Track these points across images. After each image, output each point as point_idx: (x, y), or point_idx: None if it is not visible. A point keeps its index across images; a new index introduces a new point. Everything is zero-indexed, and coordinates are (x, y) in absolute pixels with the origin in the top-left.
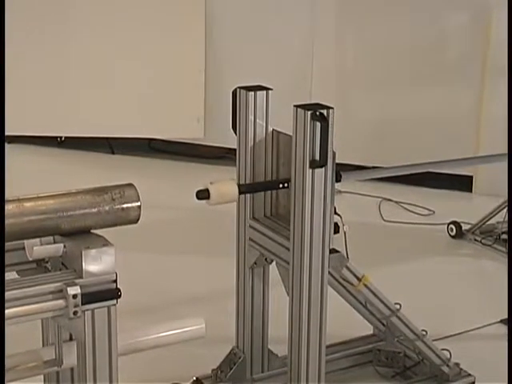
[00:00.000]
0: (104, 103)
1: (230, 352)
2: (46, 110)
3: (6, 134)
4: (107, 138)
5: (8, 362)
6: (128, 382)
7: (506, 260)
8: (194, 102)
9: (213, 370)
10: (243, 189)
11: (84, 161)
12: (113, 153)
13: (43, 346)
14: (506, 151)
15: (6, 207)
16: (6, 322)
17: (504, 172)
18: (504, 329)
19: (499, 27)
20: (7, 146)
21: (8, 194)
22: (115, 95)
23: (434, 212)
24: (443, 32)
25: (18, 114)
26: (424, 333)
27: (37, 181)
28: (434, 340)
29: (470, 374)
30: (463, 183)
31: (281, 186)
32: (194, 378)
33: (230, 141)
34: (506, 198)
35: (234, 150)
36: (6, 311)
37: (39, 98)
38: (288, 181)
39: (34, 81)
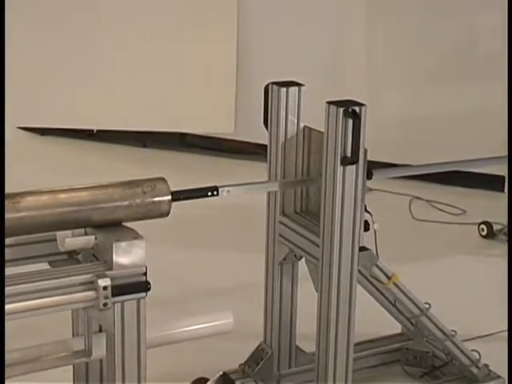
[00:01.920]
0: (136, 97)
1: (257, 347)
2: (78, 103)
3: (40, 126)
4: (139, 132)
5: (38, 352)
6: (155, 374)
7: None
8: (225, 97)
9: (240, 365)
10: (175, 196)
11: (115, 154)
12: (144, 146)
13: (73, 336)
14: None
15: (41, 198)
16: (38, 312)
17: None
18: None
19: None
20: (40, 138)
21: (40, 186)
22: (147, 89)
23: (465, 211)
24: (474, 30)
25: (50, 106)
26: (453, 333)
27: (68, 173)
28: (463, 340)
29: (499, 376)
30: (495, 183)
31: (209, 193)
32: (221, 373)
33: (260, 136)
34: None
35: (264, 145)
36: (38, 301)
37: (72, 92)
38: (216, 189)
39: (67, 74)
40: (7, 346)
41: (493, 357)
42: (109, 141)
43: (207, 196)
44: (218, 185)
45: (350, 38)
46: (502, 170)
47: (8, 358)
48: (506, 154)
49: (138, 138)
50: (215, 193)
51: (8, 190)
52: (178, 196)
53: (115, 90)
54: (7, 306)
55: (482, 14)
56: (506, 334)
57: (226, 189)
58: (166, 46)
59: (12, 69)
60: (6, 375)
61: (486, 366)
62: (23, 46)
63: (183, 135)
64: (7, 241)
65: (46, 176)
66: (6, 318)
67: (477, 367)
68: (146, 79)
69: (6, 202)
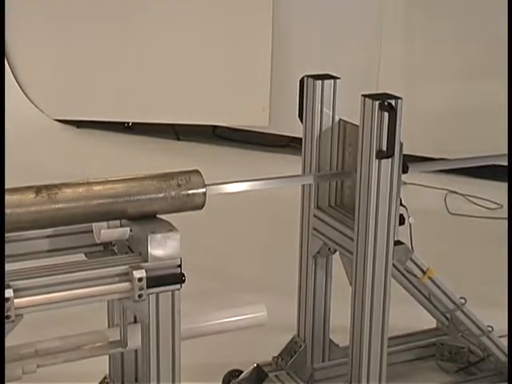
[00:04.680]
0: (171, 90)
1: (291, 340)
2: (115, 96)
3: (76, 118)
4: (173, 125)
5: (75, 342)
6: (189, 365)
7: None
8: (259, 90)
9: (273, 358)
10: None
11: (149, 146)
12: (178, 139)
13: (108, 327)
14: None
15: (77, 190)
16: (74, 302)
17: None
18: None
19: None
20: (76, 131)
21: (77, 178)
22: (182, 83)
23: (501, 206)
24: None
25: (87, 99)
26: (490, 328)
27: (103, 165)
28: (499, 336)
29: None
30: None
31: None
32: (255, 365)
33: (294, 129)
34: None
35: (299, 138)
36: (74, 292)
37: (108, 85)
38: None
39: (104, 68)
40: (45, 335)
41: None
42: (143, 133)
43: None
44: (251, 178)
45: (387, 30)
46: None
47: (45, 346)
48: None
49: (172, 131)
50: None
51: (45, 181)
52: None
53: (150, 83)
54: (44, 296)
55: None
56: None
57: (260, 182)
58: (201, 40)
59: (51, 62)
60: (46, 363)
61: None
62: (63, 41)
63: (216, 128)
64: (45, 232)
65: (81, 168)
66: (43, 307)
67: None
68: (181, 73)
69: (44, 194)
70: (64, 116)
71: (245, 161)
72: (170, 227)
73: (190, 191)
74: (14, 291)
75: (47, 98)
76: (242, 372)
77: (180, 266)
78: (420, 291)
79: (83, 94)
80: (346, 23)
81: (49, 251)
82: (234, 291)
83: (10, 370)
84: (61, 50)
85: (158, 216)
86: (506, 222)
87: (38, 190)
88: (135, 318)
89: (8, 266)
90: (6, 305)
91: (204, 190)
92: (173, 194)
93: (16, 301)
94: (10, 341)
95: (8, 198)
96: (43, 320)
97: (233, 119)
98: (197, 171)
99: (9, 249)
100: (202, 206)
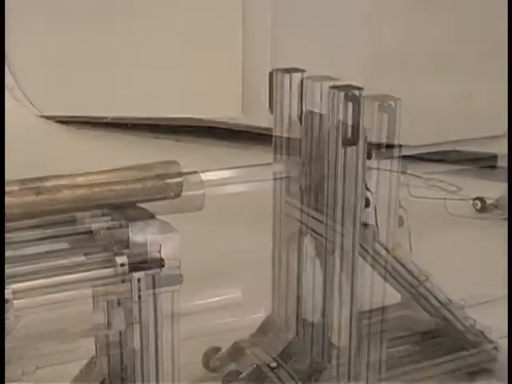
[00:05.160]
0: (151, 87)
1: (266, 318)
2: (98, 92)
3: (61, 113)
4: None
5: (62, 325)
6: (172, 343)
7: None
8: (232, 83)
9: (250, 335)
10: None
11: (132, 140)
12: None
13: (93, 310)
14: None
15: (61, 182)
16: (61, 288)
17: None
18: None
19: None
20: (63, 128)
21: (63, 171)
22: (161, 80)
23: (460, 188)
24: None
25: (71, 96)
26: (449, 301)
27: (87, 159)
28: (459, 308)
29: (491, 341)
30: (488, 160)
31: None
32: (233, 342)
33: (266, 121)
34: None
35: (270, 129)
36: (61, 278)
37: (92, 82)
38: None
39: (90, 68)
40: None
41: (488, 323)
42: (126, 127)
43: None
44: (226, 166)
45: (352, 28)
46: (493, 148)
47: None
48: (496, 134)
49: (151, 125)
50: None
51: (32, 175)
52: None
53: (133, 81)
54: (32, 283)
55: (480, 7)
56: (502, 300)
57: (234, 171)
58: (178, 41)
59: (43, 61)
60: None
61: (481, 332)
62: (56, 42)
63: (193, 121)
64: (31, 222)
65: (66, 160)
66: (34, 292)
67: (472, 333)
68: (160, 72)
69: (29, 186)
70: (50, 112)
71: (221, 151)
72: (149, 215)
73: (168, 180)
74: None
75: (36, 93)
76: (221, 349)
77: (159, 251)
78: (385, 268)
79: (70, 91)
80: (313, 18)
81: (35, 240)
82: (210, 273)
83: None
84: (53, 50)
85: (138, 205)
86: (463, 202)
87: (21, 182)
88: (119, 301)
89: None
90: None
91: (181, 179)
92: (151, 183)
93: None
94: None
95: None
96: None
97: (207, 111)
98: (174, 162)
99: None
100: (179, 195)
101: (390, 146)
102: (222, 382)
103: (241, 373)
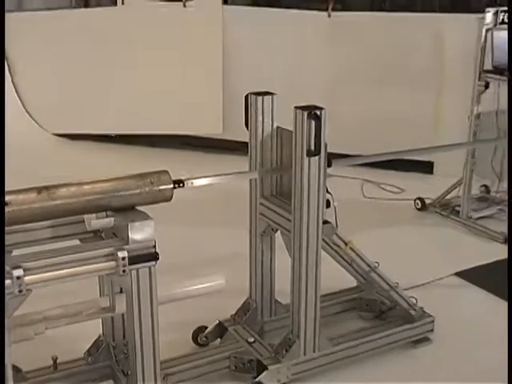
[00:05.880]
0: (146, 107)
1: (244, 301)
2: (101, 113)
3: (70, 132)
4: (149, 135)
5: (74, 309)
6: (164, 324)
7: (460, 227)
8: (214, 105)
9: (232, 315)
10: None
11: (129, 153)
12: (153, 146)
13: (100, 297)
14: (459, 142)
15: (71, 189)
16: (72, 278)
17: (457, 157)
18: (457, 280)
19: (451, 49)
20: (70, 142)
21: (72, 179)
22: (154, 102)
23: (403, 190)
24: (411, 53)
25: (79, 115)
26: (396, 284)
27: (92, 169)
28: (404, 289)
29: (430, 315)
30: (426, 167)
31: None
32: (217, 321)
33: (243, 136)
34: (459, 178)
35: (246, 143)
36: (73, 269)
37: (96, 104)
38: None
39: (92, 91)
40: (50, 305)
41: (426, 301)
42: (124, 142)
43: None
44: (210, 173)
45: (315, 56)
46: (431, 157)
47: (51, 313)
48: (434, 145)
49: (148, 140)
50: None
51: (44, 183)
52: (178, 184)
53: (130, 103)
54: (48, 274)
55: (414, 34)
56: (436, 282)
57: (217, 178)
58: (168, 68)
59: (50, 85)
60: (52, 325)
61: (421, 308)
62: (61, 68)
63: (182, 137)
64: (46, 223)
65: (74, 171)
66: (47, 283)
67: (414, 310)
68: (153, 95)
69: (44, 193)
70: (60, 130)
71: (206, 162)
72: (146, 216)
73: (161, 187)
74: (24, 270)
75: (46, 115)
76: (207, 327)
77: (155, 246)
78: (343, 258)
79: (76, 112)
80: (280, 52)
81: (50, 238)
82: (198, 265)
83: (23, 332)
84: (59, 75)
85: (136, 208)
86: (406, 202)
87: (39, 190)
88: (121, 289)
89: (18, 251)
90: (18, 281)
91: (171, 185)
92: (147, 189)
93: (26, 278)
94: (23, 309)
95: (15, 197)
96: (48, 293)
97: (194, 128)
98: (165, 171)
99: (18, 237)
100: (171, 199)
101: (318, 147)
102: (192, 336)
103: (207, 327)
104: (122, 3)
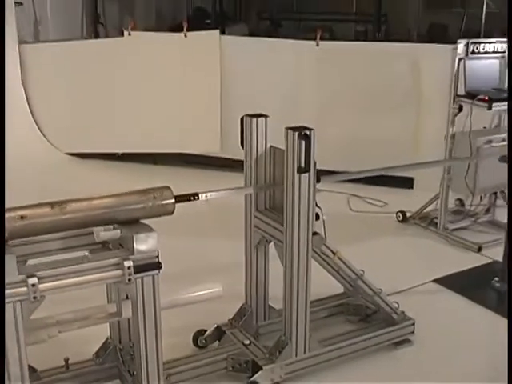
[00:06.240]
0: (149, 128)
1: (241, 307)
2: (108, 134)
3: (80, 151)
4: (151, 154)
5: (84, 313)
6: (167, 328)
7: (438, 237)
8: (213, 126)
9: (229, 320)
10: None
11: (134, 170)
12: (155, 163)
13: (108, 303)
14: (437, 159)
15: (81, 204)
16: (82, 286)
17: (435, 173)
18: (435, 286)
19: (428, 76)
20: (80, 161)
21: (82, 195)
22: (157, 123)
23: (386, 204)
24: (391, 79)
25: (88, 136)
26: (380, 290)
27: (100, 185)
28: (387, 295)
29: (411, 318)
30: (407, 183)
31: (204, 197)
32: (216, 325)
33: (239, 154)
34: (436, 192)
35: (242, 161)
36: (83, 278)
37: (104, 127)
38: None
39: (101, 114)
40: (62, 310)
41: (407, 305)
42: (129, 160)
43: (194, 199)
44: (209, 190)
45: (304, 82)
46: (412, 173)
47: (63, 318)
48: (414, 162)
49: (151, 158)
50: (207, 196)
51: (57, 198)
52: (179, 199)
53: (134, 124)
54: (60, 282)
55: (394, 62)
56: (416, 289)
57: (215, 193)
58: (169, 92)
59: (64, 110)
60: (64, 329)
61: (403, 312)
62: (73, 93)
63: (183, 155)
64: (58, 235)
65: (84, 187)
66: (59, 290)
67: (396, 313)
68: (156, 116)
69: (57, 208)
70: (72, 150)
71: (204, 178)
72: (149, 229)
73: (163, 202)
74: (38, 279)
75: (59, 137)
76: (206, 330)
77: (157, 256)
78: (332, 267)
79: (86, 133)
80: (275, 76)
81: (62, 249)
82: (198, 274)
83: (38, 335)
84: (71, 100)
85: (141, 221)
86: (389, 215)
87: (52, 205)
88: (127, 295)
89: (32, 261)
90: (33, 289)
91: (173, 200)
92: (150, 204)
93: (40, 286)
94: (37, 314)
95: (30, 211)
96: (61, 299)
97: (194, 147)
98: (167, 187)
99: (32, 248)
100: (172, 212)
101: (307, 165)
102: (193, 338)
103: (206, 330)
104: (129, 34)
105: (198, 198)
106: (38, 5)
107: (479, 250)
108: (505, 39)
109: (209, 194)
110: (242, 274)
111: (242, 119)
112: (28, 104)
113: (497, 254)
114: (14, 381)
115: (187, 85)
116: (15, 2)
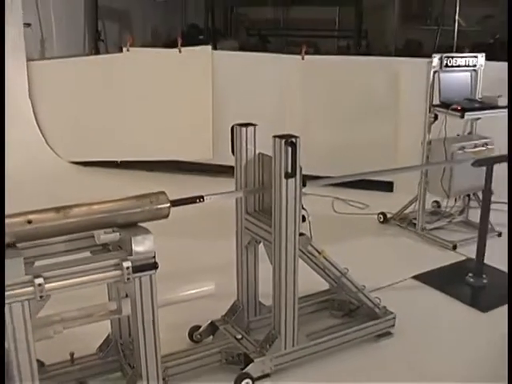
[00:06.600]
0: (146, 138)
1: (233, 304)
2: (108, 143)
3: (82, 160)
4: (148, 161)
5: (87, 311)
6: (164, 324)
7: (416, 237)
8: (205, 134)
9: (222, 316)
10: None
11: (132, 176)
12: (151, 171)
13: (109, 301)
14: (415, 164)
15: (83, 209)
16: (85, 285)
17: (413, 177)
18: (414, 282)
19: (406, 87)
20: (82, 169)
21: (84, 201)
22: (153, 132)
23: (368, 206)
24: (372, 90)
25: (90, 146)
26: (363, 287)
27: (101, 191)
28: (369, 291)
29: (392, 312)
30: (387, 186)
31: (197, 200)
32: (210, 321)
33: (229, 160)
34: (415, 195)
35: (233, 167)
36: (85, 278)
37: (104, 136)
38: (202, 197)
39: (102, 125)
40: (66, 308)
41: (388, 300)
42: (128, 168)
43: (196, 202)
44: (202, 194)
45: (290, 93)
46: (391, 177)
47: (68, 315)
48: (393, 167)
49: (148, 165)
50: (201, 200)
51: (61, 204)
52: (174, 203)
53: (132, 134)
54: (64, 282)
55: (374, 74)
56: (397, 285)
57: (208, 197)
58: (164, 103)
59: (67, 121)
60: (69, 326)
61: (384, 307)
62: (76, 106)
63: (178, 162)
64: (62, 238)
65: (86, 192)
66: (63, 289)
67: (378, 308)
68: (152, 127)
69: (61, 213)
70: (75, 158)
71: (198, 184)
72: (146, 231)
73: (159, 206)
74: (44, 279)
75: (63, 146)
76: (200, 326)
77: (154, 257)
78: (317, 265)
79: (88, 143)
80: (263, 88)
81: (65, 251)
82: (192, 273)
83: (44, 331)
84: (74, 112)
85: (138, 224)
86: (370, 216)
87: (56, 210)
88: (126, 294)
89: (39, 263)
90: (39, 288)
91: (168, 204)
92: (147, 208)
93: (46, 285)
94: (44, 312)
95: (37, 216)
96: (65, 298)
97: (188, 155)
98: (163, 192)
99: (39, 250)
100: (168, 216)
101: (294, 170)
102: (188, 334)
103: (200, 326)
104: (127, 50)
105: (194, 202)
106: (44, 24)
107: (454, 248)
108: (474, 54)
109: (204, 198)
110: (234, 272)
111: (232, 128)
112: (34, 116)
113: (470, 251)
114: (23, 374)
115: (182, 96)
116: (24, 24)
